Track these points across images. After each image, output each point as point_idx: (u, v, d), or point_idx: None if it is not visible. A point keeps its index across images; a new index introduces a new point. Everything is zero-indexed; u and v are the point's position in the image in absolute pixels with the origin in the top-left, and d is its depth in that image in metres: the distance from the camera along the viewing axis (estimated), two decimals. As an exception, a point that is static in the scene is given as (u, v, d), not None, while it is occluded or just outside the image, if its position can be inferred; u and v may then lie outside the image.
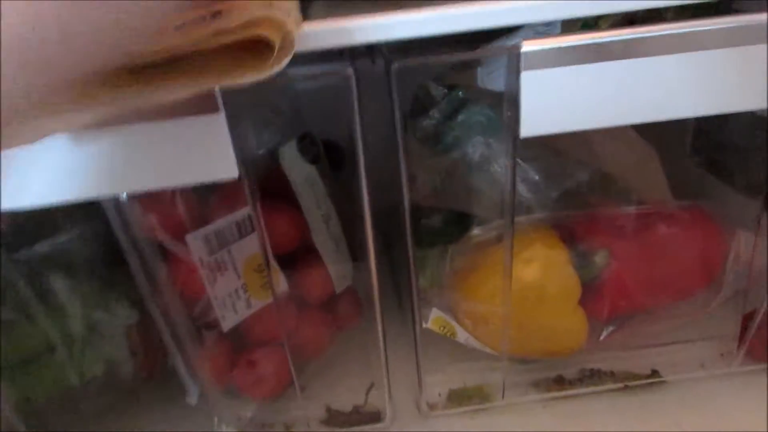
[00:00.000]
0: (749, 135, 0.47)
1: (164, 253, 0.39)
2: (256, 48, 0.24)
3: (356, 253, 0.48)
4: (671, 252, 0.46)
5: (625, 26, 0.32)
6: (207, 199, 0.40)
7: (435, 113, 0.47)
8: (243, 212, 0.40)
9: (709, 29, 0.31)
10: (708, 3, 0.32)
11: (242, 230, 0.41)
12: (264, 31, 0.23)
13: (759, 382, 0.46)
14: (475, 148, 0.46)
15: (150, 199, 0.37)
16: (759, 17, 0.31)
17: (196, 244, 0.38)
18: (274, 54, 0.23)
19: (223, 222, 0.39)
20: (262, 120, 0.46)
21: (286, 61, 0.24)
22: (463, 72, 0.46)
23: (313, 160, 0.47)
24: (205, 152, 0.29)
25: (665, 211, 0.46)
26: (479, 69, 0.44)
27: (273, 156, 0.45)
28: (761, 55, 0.32)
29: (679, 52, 0.31)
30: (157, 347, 0.41)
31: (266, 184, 0.47)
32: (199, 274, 0.38)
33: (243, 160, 0.45)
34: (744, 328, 0.46)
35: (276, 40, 0.23)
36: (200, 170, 0.30)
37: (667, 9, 0.38)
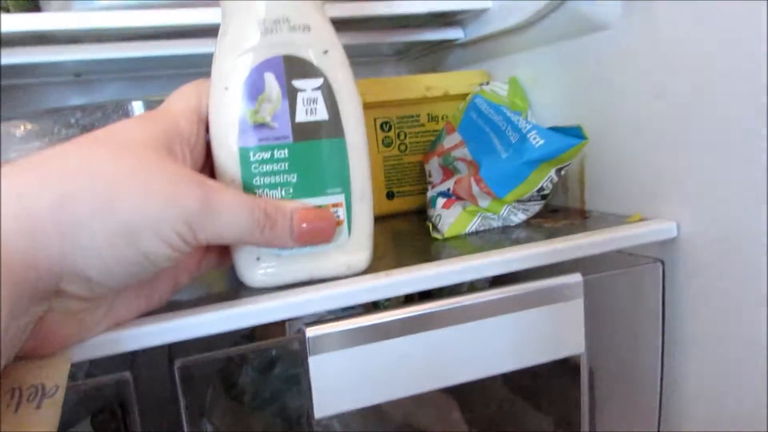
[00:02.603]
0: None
1: None
2: None
3: None
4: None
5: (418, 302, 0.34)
6: None
7: (248, 370, 0.46)
8: None
9: (488, 300, 0.35)
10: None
11: None
12: None
13: None
14: (294, 399, 0.45)
15: None
16: (537, 284, 0.35)
17: None
18: None
19: None
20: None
21: None
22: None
23: (112, 436, 0.42)
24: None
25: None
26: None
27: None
28: (532, 318, 0.35)
29: (465, 322, 0.34)
30: None
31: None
32: None
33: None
34: None
35: None
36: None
37: (462, 283, 0.41)
